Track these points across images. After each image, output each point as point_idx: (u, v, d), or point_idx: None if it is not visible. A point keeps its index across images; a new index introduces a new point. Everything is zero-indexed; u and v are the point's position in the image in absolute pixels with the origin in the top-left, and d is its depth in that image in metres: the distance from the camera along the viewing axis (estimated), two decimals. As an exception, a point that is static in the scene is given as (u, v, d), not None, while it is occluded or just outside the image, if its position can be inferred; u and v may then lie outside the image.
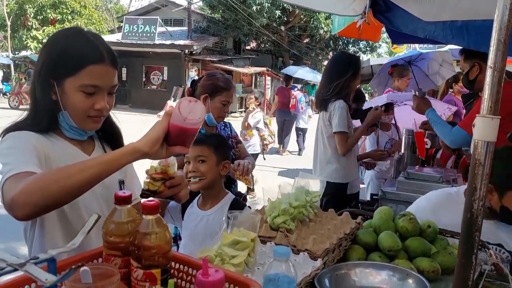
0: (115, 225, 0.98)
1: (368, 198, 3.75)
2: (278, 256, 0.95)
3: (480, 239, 0.90)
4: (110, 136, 1.47)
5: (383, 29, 3.65)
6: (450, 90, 5.46)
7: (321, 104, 3.15)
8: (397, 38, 3.72)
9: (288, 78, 11.64)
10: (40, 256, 0.72)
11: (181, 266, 1.03)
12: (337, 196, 3.05)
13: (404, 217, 1.55)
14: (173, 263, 1.03)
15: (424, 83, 6.13)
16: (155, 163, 1.21)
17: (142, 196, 1.16)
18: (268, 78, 21.00)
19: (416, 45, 12.67)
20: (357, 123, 3.78)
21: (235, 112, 18.34)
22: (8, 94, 20.14)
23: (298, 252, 1.32)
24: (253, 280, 0.91)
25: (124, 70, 19.28)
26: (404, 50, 16.93)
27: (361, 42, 22.06)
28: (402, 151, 3.56)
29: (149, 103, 18.28)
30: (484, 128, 0.87)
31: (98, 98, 1.26)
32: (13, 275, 0.77)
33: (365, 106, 4.07)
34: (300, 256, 1.29)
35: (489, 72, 0.86)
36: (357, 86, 3.41)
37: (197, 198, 1.96)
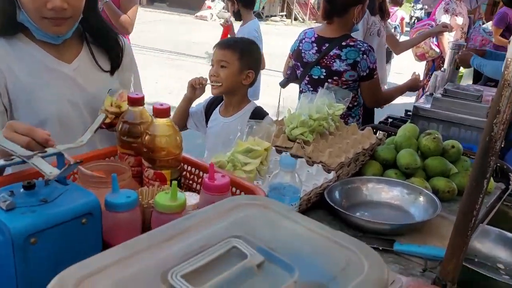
0: (128, 125, 1.00)
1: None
2: (283, 167, 0.96)
3: (495, 164, 0.87)
4: (100, 42, 1.25)
5: None
6: None
7: None
8: None
9: None
10: (49, 150, 0.75)
11: (193, 169, 1.06)
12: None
13: (429, 136, 1.50)
14: (185, 166, 1.06)
15: None
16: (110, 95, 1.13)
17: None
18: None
19: None
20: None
21: (275, 15, 17.47)
22: None
23: (313, 164, 1.32)
24: (258, 187, 0.92)
25: (162, -33, 18.50)
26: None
27: None
28: (445, 66, 3.36)
29: (187, 2, 17.70)
30: (519, 45, 0.78)
31: None
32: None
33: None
34: (314, 168, 1.30)
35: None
36: None
37: (219, 105, 1.95)
